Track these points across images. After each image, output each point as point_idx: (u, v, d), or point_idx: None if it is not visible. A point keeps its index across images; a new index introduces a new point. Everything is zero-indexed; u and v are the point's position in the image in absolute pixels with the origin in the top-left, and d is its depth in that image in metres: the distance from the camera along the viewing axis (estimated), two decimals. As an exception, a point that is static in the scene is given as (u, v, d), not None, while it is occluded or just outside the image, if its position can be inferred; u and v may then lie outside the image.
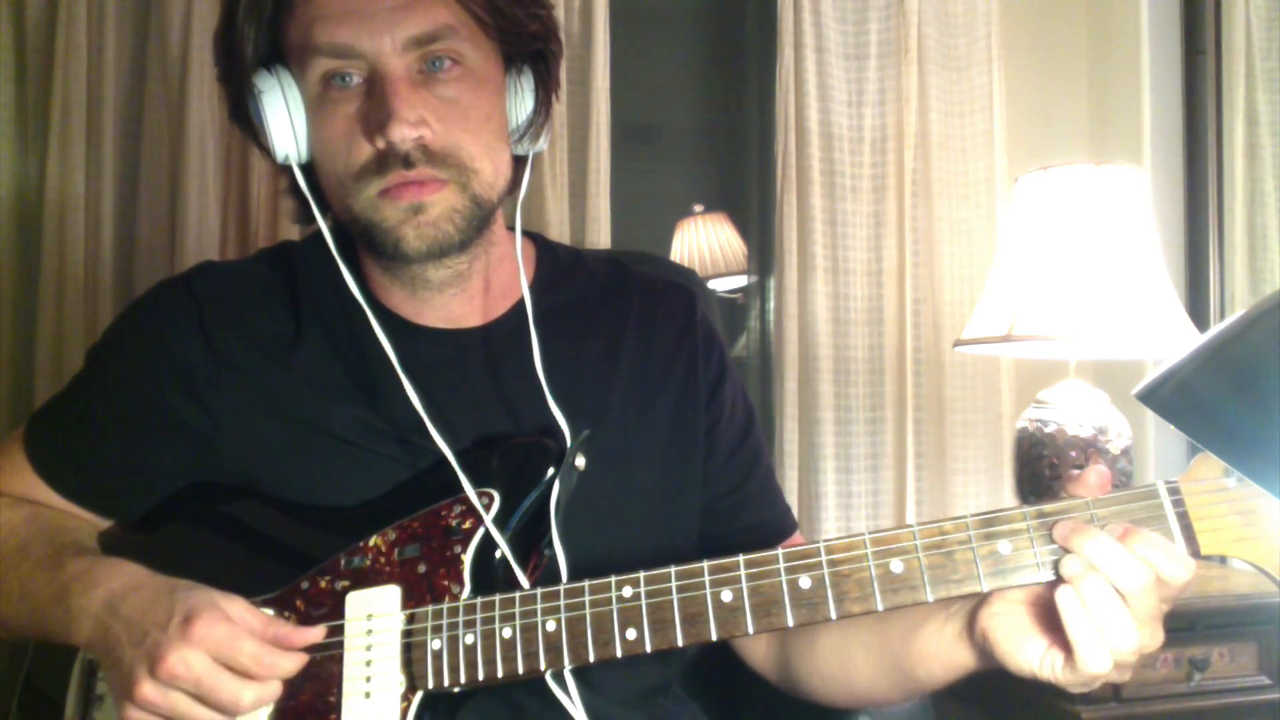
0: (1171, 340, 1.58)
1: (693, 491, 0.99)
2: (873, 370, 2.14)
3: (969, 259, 2.16)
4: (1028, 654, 0.72)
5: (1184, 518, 0.69)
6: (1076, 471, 0.73)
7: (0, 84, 1.77)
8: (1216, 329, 0.63)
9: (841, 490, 2.12)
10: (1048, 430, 1.65)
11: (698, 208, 2.57)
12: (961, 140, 2.17)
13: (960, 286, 2.15)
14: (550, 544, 0.83)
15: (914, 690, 0.87)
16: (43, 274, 1.76)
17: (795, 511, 2.03)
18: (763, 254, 2.31)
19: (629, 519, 0.94)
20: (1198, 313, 2.03)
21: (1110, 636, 0.67)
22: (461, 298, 0.94)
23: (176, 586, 0.78)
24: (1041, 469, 1.66)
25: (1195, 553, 0.69)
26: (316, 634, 0.80)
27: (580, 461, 0.85)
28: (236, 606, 0.77)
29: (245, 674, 0.75)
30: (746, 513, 1.01)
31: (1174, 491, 0.70)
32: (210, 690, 0.74)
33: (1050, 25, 2.30)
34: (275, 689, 0.78)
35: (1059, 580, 0.69)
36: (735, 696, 1.10)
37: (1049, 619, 0.71)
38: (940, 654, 0.80)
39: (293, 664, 0.78)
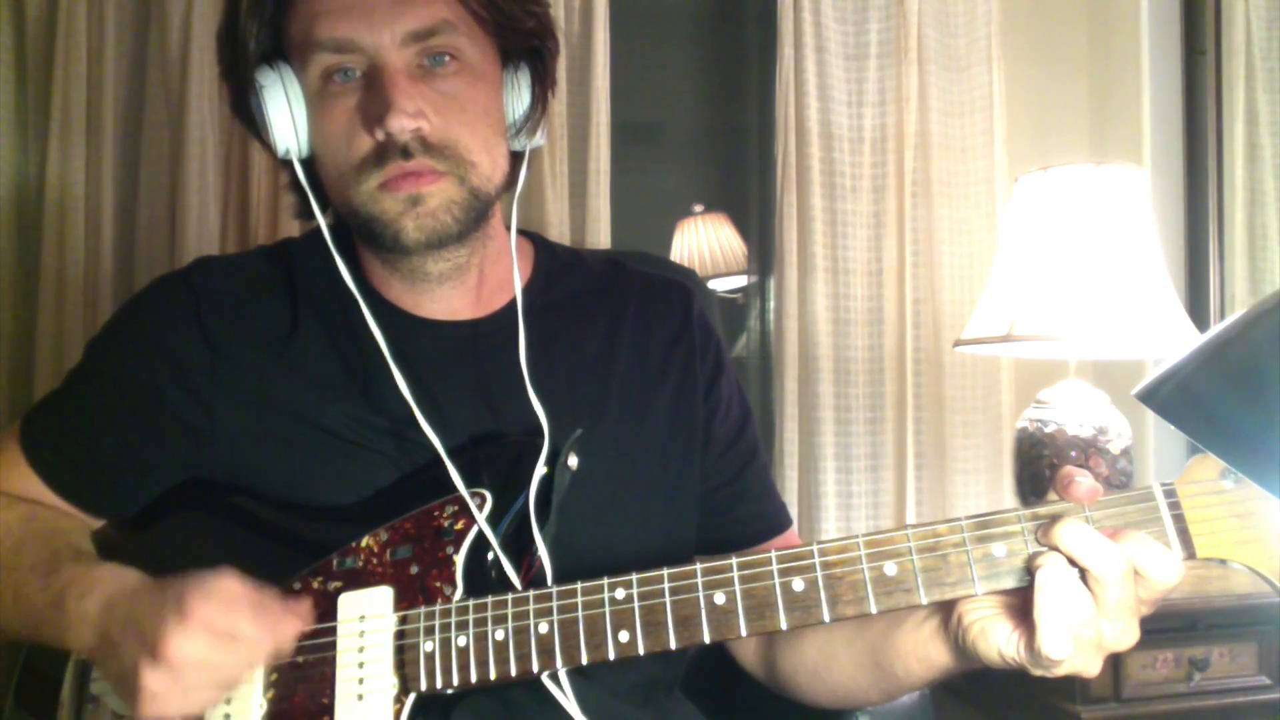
0: (1171, 340, 1.58)
1: (692, 483, 0.99)
2: (873, 370, 2.14)
3: (969, 259, 2.16)
4: (995, 637, 0.71)
5: (1179, 520, 0.68)
6: (1069, 468, 0.72)
7: (0, 84, 1.78)
8: (1216, 329, 0.62)
9: (841, 490, 2.11)
10: (1048, 430, 1.65)
11: (698, 208, 2.57)
12: (961, 140, 2.17)
13: (960, 286, 2.14)
14: (544, 542, 0.82)
15: (894, 689, 0.86)
16: (43, 273, 1.77)
17: (795, 512, 2.04)
18: (763, 254, 2.30)
19: (630, 511, 0.94)
20: (1198, 313, 2.03)
21: (1075, 622, 0.67)
22: (460, 290, 0.94)
23: (167, 584, 0.77)
24: (1041, 469, 1.65)
25: (1191, 555, 0.68)
26: (304, 611, 0.78)
27: (573, 461, 0.84)
28: (225, 581, 0.75)
29: (249, 640, 0.74)
30: (742, 505, 1.02)
31: (1170, 494, 0.69)
32: (220, 663, 0.73)
33: (1050, 25, 2.30)
34: (290, 629, 0.76)
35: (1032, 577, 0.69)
36: (734, 699, 1.10)
37: (1019, 606, 0.71)
38: (917, 650, 0.80)
39: (293, 625, 0.77)
